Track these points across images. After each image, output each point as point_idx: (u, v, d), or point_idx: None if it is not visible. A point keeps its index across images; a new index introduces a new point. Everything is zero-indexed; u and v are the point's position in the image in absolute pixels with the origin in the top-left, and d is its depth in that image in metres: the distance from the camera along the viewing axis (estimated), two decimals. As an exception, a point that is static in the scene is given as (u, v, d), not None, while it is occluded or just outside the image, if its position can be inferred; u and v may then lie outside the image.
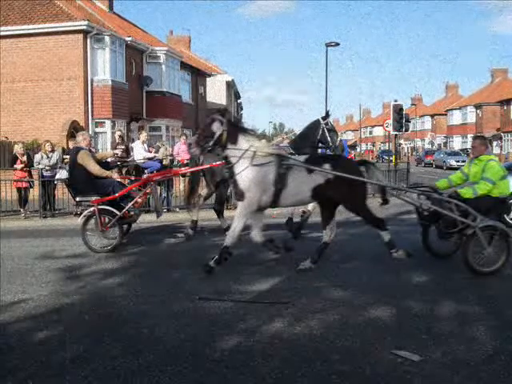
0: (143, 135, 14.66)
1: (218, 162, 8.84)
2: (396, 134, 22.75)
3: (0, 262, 7.89)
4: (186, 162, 13.29)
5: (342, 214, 10.69)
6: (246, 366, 4.14)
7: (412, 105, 65.82)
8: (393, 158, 23.94)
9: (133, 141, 18.39)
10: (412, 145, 73.14)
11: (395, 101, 21.71)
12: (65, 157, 13.94)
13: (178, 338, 4.73)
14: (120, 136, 15.70)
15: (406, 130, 22.03)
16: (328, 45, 25.64)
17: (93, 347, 4.55)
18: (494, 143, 53.29)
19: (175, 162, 14.46)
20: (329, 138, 9.38)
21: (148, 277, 7.05)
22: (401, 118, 20.68)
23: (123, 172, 13.01)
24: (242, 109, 55.01)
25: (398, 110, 20.74)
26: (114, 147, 14.38)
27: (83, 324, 5.19)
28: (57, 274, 7.13)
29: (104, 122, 22.42)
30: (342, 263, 7.66)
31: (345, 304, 5.71)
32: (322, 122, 9.42)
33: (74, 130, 20.35)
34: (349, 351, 4.43)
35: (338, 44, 25.82)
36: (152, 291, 6.27)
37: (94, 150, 14.70)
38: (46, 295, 6.12)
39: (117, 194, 8.68)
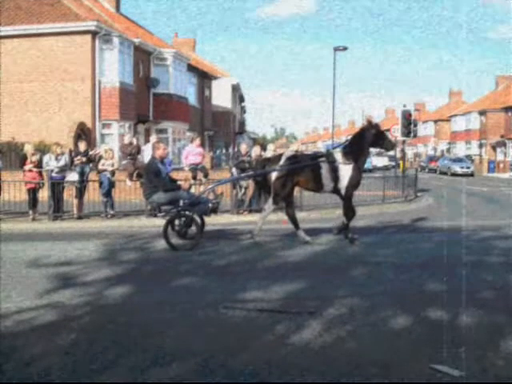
0: (153, 138, 14.53)
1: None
2: (404, 140, 22.58)
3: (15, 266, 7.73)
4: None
5: (358, 220, 10.63)
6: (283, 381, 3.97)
7: (415, 110, 65.60)
8: (400, 164, 23.77)
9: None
10: (415, 150, 72.92)
11: (404, 106, 21.56)
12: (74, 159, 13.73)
13: (209, 349, 4.56)
14: (130, 142, 15.44)
15: (415, 136, 21.87)
16: (336, 49, 25.51)
17: (119, 358, 4.37)
18: (498, 150, 53.18)
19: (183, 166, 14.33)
20: None
21: (167, 284, 6.89)
22: (409, 124, 20.53)
23: (134, 175, 12.87)
24: (245, 112, 54.80)
25: (407, 116, 20.61)
26: (123, 151, 14.19)
27: (107, 333, 5.01)
28: (69, 280, 6.94)
29: (111, 124, 22.27)
30: (365, 271, 7.51)
31: (372, 314, 5.54)
32: None
33: (81, 131, 20.21)
34: (385, 365, 4.26)
35: (346, 48, 25.70)
36: (173, 299, 6.11)
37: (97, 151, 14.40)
38: (59, 301, 5.93)
39: None
